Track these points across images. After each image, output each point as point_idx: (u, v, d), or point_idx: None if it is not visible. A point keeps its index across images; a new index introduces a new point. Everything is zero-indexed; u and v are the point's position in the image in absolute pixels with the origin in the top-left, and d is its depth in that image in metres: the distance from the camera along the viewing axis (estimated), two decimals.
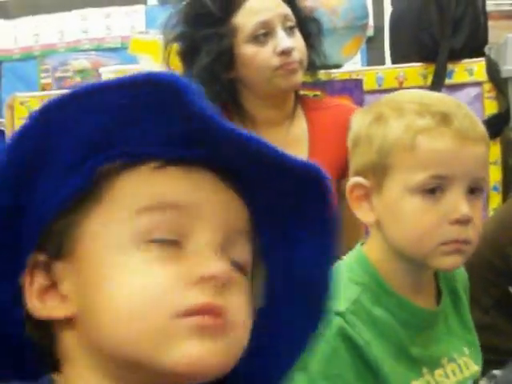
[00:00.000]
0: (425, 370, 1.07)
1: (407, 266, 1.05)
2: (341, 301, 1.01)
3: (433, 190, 0.98)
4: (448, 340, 1.12)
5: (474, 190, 1.01)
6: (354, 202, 1.05)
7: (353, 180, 1.06)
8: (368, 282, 1.05)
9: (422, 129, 0.98)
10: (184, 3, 1.68)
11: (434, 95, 1.08)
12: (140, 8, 3.97)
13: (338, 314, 1.00)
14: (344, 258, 1.10)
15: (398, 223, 1.02)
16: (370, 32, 3.70)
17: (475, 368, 1.13)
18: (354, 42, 2.54)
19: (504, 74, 2.33)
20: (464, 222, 0.99)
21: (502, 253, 1.47)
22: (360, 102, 2.34)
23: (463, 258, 1.02)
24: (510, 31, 2.56)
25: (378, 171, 1.02)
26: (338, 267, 1.04)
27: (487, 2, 2.49)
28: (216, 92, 1.63)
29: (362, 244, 1.10)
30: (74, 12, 3.94)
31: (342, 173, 1.64)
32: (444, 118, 0.98)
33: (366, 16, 2.60)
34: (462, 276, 1.18)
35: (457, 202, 0.98)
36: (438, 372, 1.08)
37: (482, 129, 1.02)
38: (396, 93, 1.14)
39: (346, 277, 1.05)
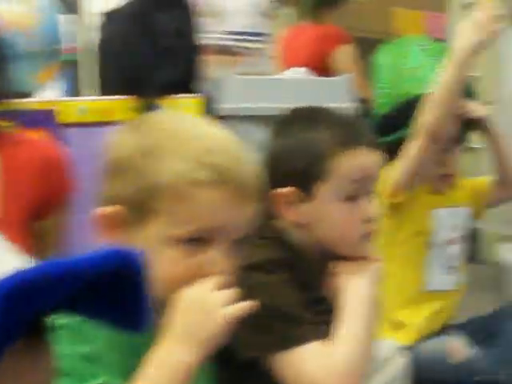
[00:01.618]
0: None
1: None
2: None
3: (194, 240, 1.01)
4: None
5: (236, 242, 1.05)
6: (105, 230, 1.03)
7: (104, 209, 1.02)
8: None
9: (197, 181, 1.00)
10: None
11: (220, 135, 1.08)
12: None
13: None
14: None
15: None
16: (74, 57, 3.65)
17: None
18: (50, 68, 2.44)
19: (221, 112, 2.33)
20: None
21: None
22: (58, 136, 2.25)
23: None
24: (225, 67, 2.59)
25: (140, 209, 1.01)
26: None
27: (201, 36, 2.46)
28: None
29: None
30: None
31: (40, 213, 1.56)
32: (222, 174, 1.01)
33: (59, 40, 2.52)
34: None
35: (215, 258, 1.02)
36: None
37: (256, 184, 1.06)
38: (183, 119, 1.15)
39: None
